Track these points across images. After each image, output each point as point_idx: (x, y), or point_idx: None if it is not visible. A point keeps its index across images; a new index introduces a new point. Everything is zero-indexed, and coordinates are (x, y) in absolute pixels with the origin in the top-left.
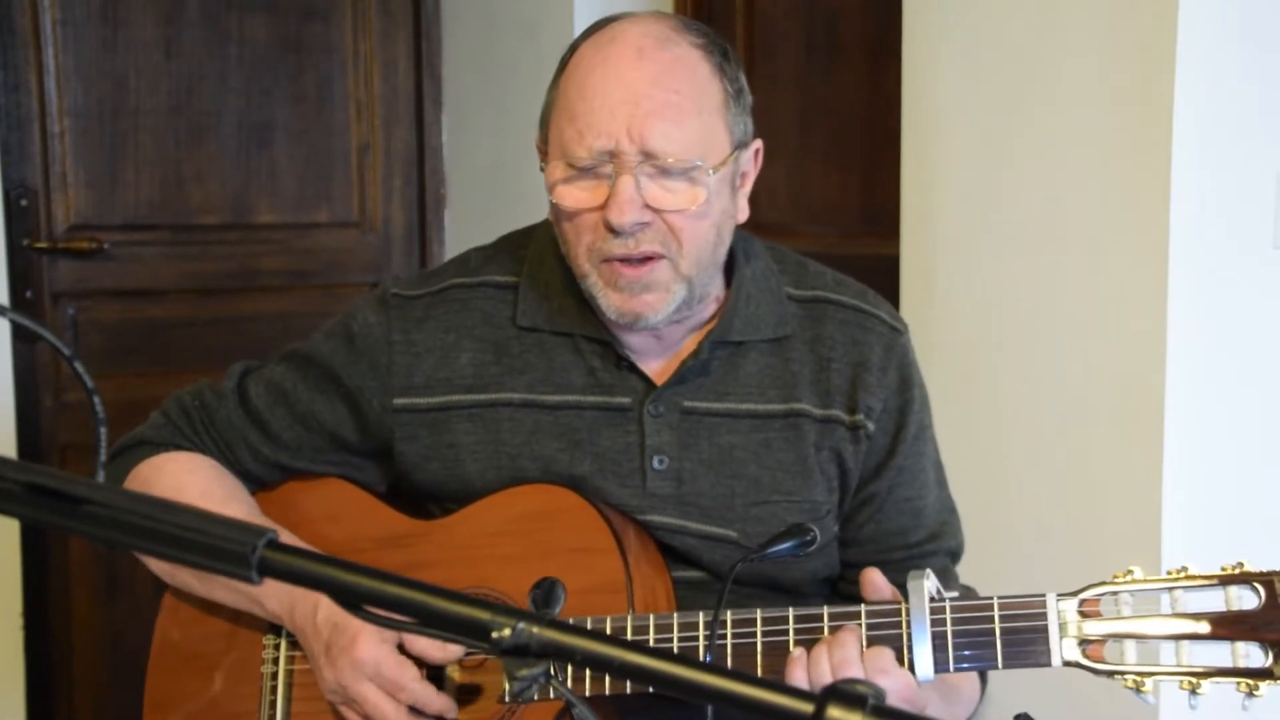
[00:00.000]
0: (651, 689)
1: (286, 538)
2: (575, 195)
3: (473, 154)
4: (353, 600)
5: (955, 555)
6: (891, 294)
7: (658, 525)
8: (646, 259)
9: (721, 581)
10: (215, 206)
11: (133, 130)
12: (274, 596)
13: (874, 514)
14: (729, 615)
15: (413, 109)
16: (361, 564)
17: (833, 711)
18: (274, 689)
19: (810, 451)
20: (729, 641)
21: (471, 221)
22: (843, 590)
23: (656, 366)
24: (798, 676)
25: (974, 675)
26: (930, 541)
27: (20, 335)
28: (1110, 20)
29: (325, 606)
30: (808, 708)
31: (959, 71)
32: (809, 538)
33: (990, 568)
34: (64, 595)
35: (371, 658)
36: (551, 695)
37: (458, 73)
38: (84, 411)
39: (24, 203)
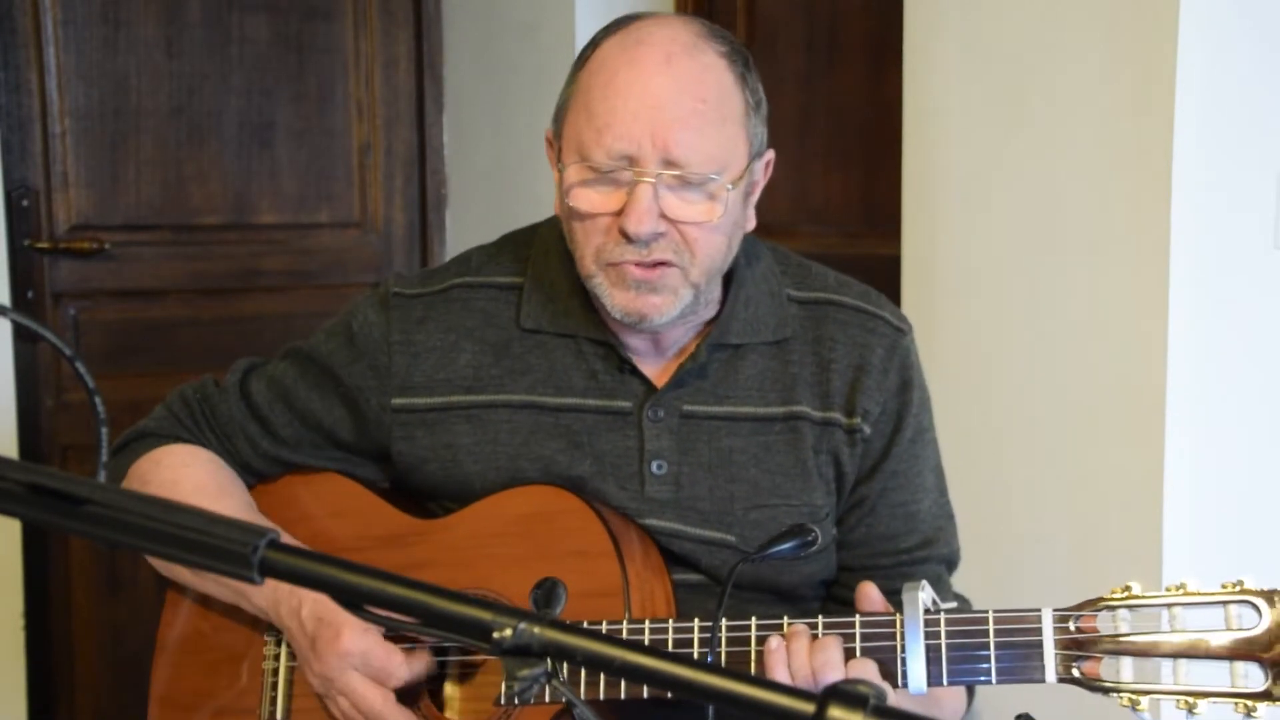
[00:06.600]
0: (652, 689)
1: (284, 535)
2: (591, 199)
3: (474, 154)
4: (354, 600)
5: (950, 564)
6: (892, 294)
7: (656, 529)
8: (657, 264)
9: (720, 584)
10: (216, 207)
11: (134, 130)
12: (260, 592)
13: (865, 517)
14: (724, 622)
15: (414, 109)
16: (363, 564)
17: (834, 712)
18: (274, 685)
19: (809, 454)
20: (723, 649)
21: (472, 221)
22: (836, 595)
23: (657, 369)
24: (779, 672)
25: (959, 690)
26: (923, 548)
27: (21, 335)
28: (1111, 20)
29: (310, 603)
30: (809, 708)
31: (959, 71)
32: (810, 538)
33: (989, 569)
34: (64, 595)
35: (358, 648)
36: (548, 698)
37: (458, 73)
38: (85, 412)
39: (25, 203)
